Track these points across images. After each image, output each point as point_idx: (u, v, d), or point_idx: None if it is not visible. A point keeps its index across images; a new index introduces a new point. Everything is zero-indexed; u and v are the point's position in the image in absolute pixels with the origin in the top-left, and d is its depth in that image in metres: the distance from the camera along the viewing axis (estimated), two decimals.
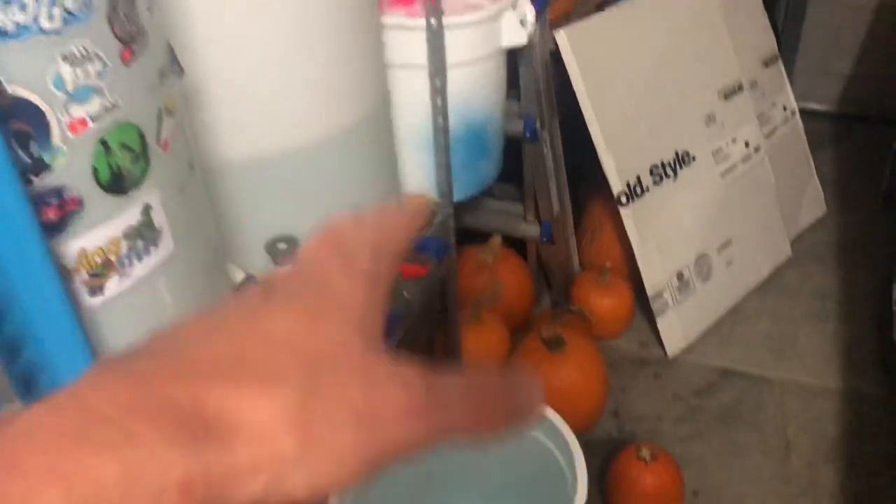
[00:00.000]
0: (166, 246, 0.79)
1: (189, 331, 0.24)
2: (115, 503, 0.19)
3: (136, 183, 0.73)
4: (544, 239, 2.01)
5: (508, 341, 1.90)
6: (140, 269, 0.76)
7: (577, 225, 2.18)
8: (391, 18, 1.32)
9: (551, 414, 1.33)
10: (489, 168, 1.64)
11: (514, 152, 1.92)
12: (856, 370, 1.98)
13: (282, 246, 1.09)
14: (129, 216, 0.74)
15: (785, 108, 2.43)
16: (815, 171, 2.51)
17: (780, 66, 2.42)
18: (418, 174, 1.48)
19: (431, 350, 1.71)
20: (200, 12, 0.95)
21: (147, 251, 0.77)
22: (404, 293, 1.14)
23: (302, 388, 0.23)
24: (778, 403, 1.91)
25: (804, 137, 2.49)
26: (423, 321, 1.57)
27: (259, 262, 1.11)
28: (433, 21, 1.29)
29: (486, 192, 2.09)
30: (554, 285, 2.18)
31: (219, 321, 0.25)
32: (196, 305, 0.86)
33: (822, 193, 2.54)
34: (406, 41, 1.33)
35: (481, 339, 1.83)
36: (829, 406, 1.89)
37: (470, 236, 2.04)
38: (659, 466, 1.55)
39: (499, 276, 1.98)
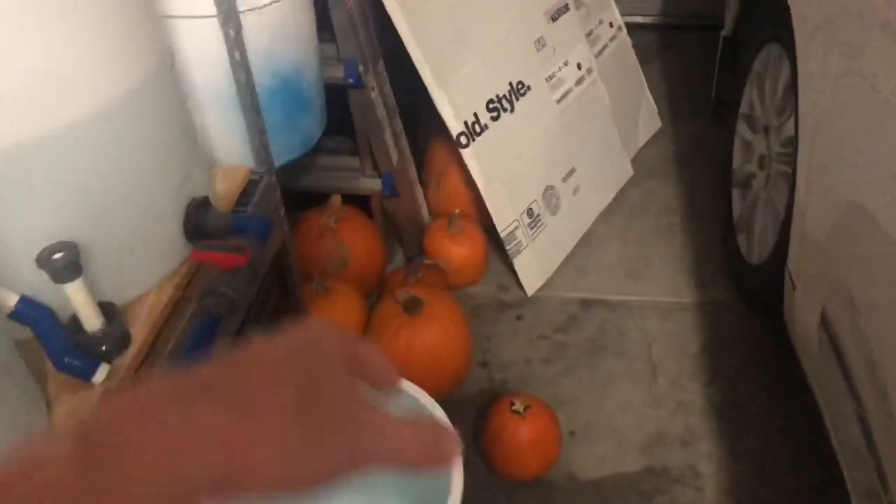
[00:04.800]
0: None
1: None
2: None
3: None
4: (387, 192, 1.87)
5: (364, 308, 1.76)
6: None
7: (420, 171, 2.04)
8: None
9: (409, 386, 1.22)
10: (312, 124, 1.46)
11: (341, 102, 1.74)
12: (706, 281, 2.01)
13: (58, 257, 0.87)
14: None
15: (612, 25, 2.38)
16: (646, 85, 2.51)
17: None
18: (227, 139, 1.29)
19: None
20: None
21: None
22: (222, 289, 0.96)
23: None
24: (639, 327, 1.90)
25: (633, 53, 2.47)
26: (263, 306, 1.40)
27: (32, 278, 0.89)
28: None
29: (318, 149, 1.90)
30: (405, 239, 2.05)
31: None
32: None
33: (656, 108, 2.54)
34: None
35: (334, 311, 1.68)
36: (687, 321, 1.91)
37: (308, 200, 1.86)
38: (534, 416, 1.49)
39: (344, 239, 1.82)
